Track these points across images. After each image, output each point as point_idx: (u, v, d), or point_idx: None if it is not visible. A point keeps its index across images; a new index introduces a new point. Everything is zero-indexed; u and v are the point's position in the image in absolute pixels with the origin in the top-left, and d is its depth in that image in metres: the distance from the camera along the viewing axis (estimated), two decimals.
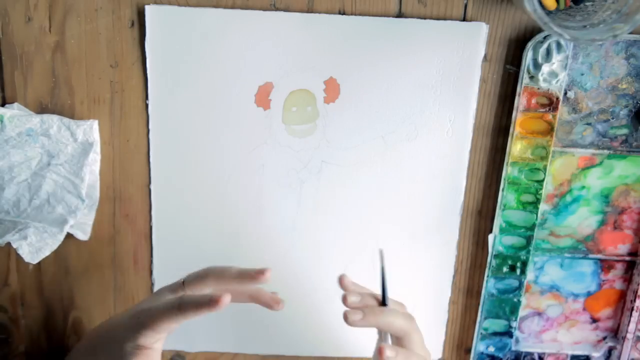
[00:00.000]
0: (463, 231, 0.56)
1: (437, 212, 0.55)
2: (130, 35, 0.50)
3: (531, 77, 0.51)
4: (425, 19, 0.50)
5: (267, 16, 0.49)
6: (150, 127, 0.52)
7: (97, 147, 0.52)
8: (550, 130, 0.52)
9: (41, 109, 0.52)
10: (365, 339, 0.59)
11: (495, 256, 0.56)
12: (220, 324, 0.58)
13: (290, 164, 0.53)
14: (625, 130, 0.53)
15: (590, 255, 0.57)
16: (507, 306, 0.57)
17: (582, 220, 0.56)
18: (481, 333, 0.58)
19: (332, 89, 0.51)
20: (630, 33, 0.44)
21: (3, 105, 0.51)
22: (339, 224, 0.55)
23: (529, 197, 0.54)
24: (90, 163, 0.51)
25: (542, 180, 0.54)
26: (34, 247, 0.48)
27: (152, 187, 0.54)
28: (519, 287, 0.57)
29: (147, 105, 0.52)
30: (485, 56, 0.51)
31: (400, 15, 0.50)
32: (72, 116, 0.52)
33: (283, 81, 0.51)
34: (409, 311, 0.47)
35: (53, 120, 0.50)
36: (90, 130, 0.51)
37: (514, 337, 0.59)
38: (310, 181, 0.54)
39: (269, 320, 0.58)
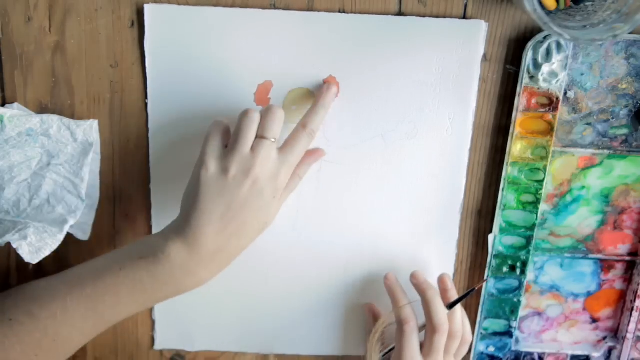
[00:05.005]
0: (463, 231, 0.56)
1: (437, 212, 0.55)
2: (130, 35, 0.50)
3: (531, 77, 0.51)
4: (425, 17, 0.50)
5: (266, 15, 0.49)
6: (150, 127, 0.52)
7: (97, 147, 0.52)
8: (550, 130, 0.52)
9: (41, 109, 0.52)
10: (364, 338, 0.59)
11: (495, 256, 0.56)
12: (220, 323, 0.58)
13: None
14: (625, 130, 0.53)
15: (590, 255, 0.57)
16: (507, 306, 0.57)
17: (582, 220, 0.56)
18: (481, 333, 0.58)
19: None
20: (630, 33, 0.44)
21: (3, 105, 0.51)
22: (338, 223, 0.55)
23: (529, 197, 0.54)
24: (90, 163, 0.51)
25: (542, 180, 0.54)
26: (34, 247, 0.48)
27: (152, 187, 0.54)
28: (519, 287, 0.57)
29: (147, 105, 0.52)
30: (485, 56, 0.51)
31: (400, 14, 0.50)
32: (72, 116, 0.52)
33: (282, 80, 0.51)
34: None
35: (53, 120, 0.50)
36: (90, 130, 0.51)
37: (514, 337, 0.59)
38: (310, 180, 0.53)
39: (269, 319, 0.58)
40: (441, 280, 0.53)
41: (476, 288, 0.53)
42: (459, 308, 0.52)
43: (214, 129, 0.48)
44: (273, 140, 0.47)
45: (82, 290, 0.45)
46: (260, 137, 0.47)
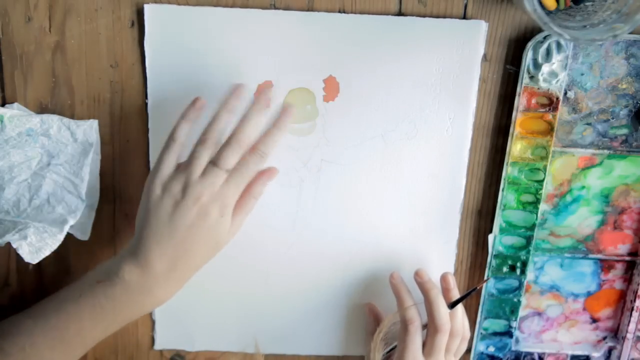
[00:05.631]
0: (463, 231, 0.56)
1: (437, 212, 0.55)
2: (130, 35, 0.50)
3: (531, 77, 0.51)
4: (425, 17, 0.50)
5: (266, 15, 0.49)
6: (150, 127, 0.52)
7: (97, 147, 0.52)
8: (550, 130, 0.52)
9: (41, 109, 0.52)
10: (364, 338, 0.59)
11: (495, 256, 0.56)
12: (220, 323, 0.58)
13: (290, 163, 0.53)
14: (625, 130, 0.53)
15: (590, 255, 0.57)
16: (507, 306, 0.57)
17: (582, 220, 0.56)
18: (481, 333, 0.58)
19: (331, 88, 0.51)
20: (630, 33, 0.44)
21: (3, 105, 0.51)
22: (338, 223, 0.55)
23: (529, 197, 0.54)
24: (90, 163, 0.51)
25: (542, 180, 0.54)
26: (34, 247, 0.48)
27: None
28: (519, 287, 0.57)
29: (147, 105, 0.52)
30: (485, 56, 0.51)
31: (400, 14, 0.50)
32: (72, 116, 0.52)
33: (282, 80, 0.51)
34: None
35: (53, 120, 0.50)
36: (90, 130, 0.51)
37: (514, 337, 0.59)
38: (310, 180, 0.53)
39: (269, 319, 0.58)
40: (444, 278, 0.54)
41: (478, 287, 0.53)
42: (459, 307, 0.52)
43: (169, 147, 0.47)
44: (225, 171, 0.47)
45: (46, 322, 0.46)
46: (213, 163, 0.47)
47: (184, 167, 0.47)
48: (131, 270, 0.46)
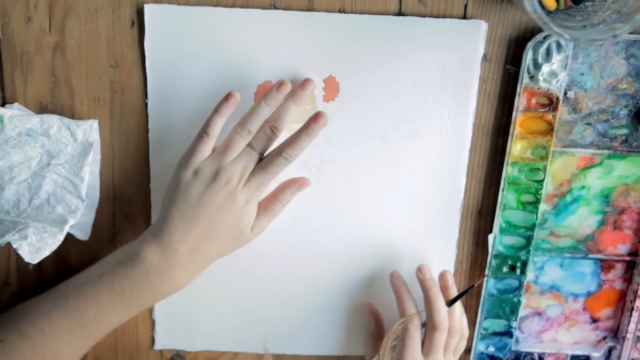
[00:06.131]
0: (463, 231, 0.56)
1: (437, 212, 0.55)
2: (130, 35, 0.50)
3: (531, 77, 0.51)
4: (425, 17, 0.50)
5: (266, 15, 0.49)
6: (150, 127, 0.52)
7: (97, 147, 0.52)
8: (550, 130, 0.52)
9: (41, 109, 0.52)
10: (365, 338, 0.59)
11: (495, 256, 0.56)
12: (220, 323, 0.58)
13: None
14: (625, 130, 0.53)
15: (590, 255, 0.57)
16: (507, 306, 0.57)
17: (582, 220, 0.56)
18: (481, 333, 0.58)
19: (331, 88, 0.51)
20: (630, 33, 0.44)
21: (3, 105, 0.51)
22: (338, 222, 0.55)
23: (529, 197, 0.54)
24: (90, 163, 0.51)
25: (542, 180, 0.54)
26: (34, 247, 0.48)
27: (152, 187, 0.54)
28: (519, 287, 0.57)
29: (147, 105, 0.52)
30: (485, 56, 0.51)
31: (400, 14, 0.50)
32: (72, 116, 0.52)
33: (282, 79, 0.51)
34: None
35: (53, 120, 0.50)
36: (90, 130, 0.51)
37: (514, 337, 0.59)
38: (310, 180, 0.53)
39: (269, 319, 0.58)
40: (442, 276, 0.54)
41: (476, 284, 0.53)
42: (458, 305, 0.53)
43: (202, 139, 0.48)
44: (259, 155, 0.48)
45: (65, 303, 0.47)
46: (250, 147, 0.48)
47: (217, 153, 0.48)
48: (153, 249, 0.46)
